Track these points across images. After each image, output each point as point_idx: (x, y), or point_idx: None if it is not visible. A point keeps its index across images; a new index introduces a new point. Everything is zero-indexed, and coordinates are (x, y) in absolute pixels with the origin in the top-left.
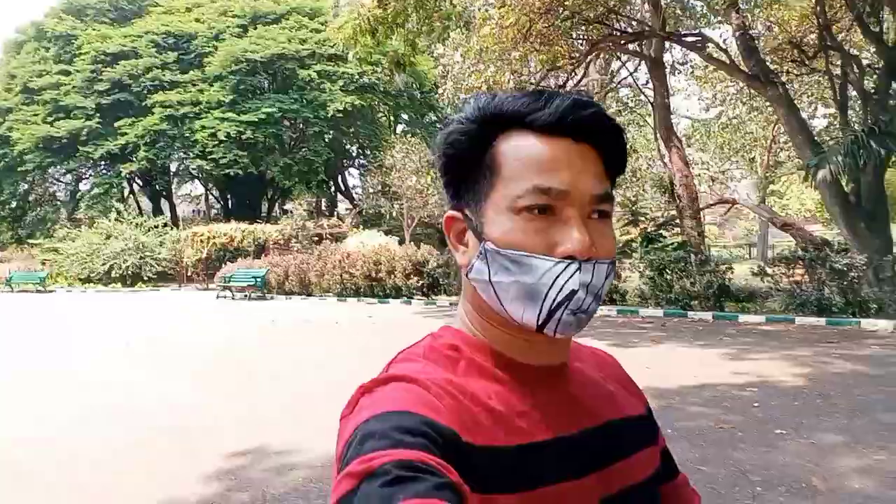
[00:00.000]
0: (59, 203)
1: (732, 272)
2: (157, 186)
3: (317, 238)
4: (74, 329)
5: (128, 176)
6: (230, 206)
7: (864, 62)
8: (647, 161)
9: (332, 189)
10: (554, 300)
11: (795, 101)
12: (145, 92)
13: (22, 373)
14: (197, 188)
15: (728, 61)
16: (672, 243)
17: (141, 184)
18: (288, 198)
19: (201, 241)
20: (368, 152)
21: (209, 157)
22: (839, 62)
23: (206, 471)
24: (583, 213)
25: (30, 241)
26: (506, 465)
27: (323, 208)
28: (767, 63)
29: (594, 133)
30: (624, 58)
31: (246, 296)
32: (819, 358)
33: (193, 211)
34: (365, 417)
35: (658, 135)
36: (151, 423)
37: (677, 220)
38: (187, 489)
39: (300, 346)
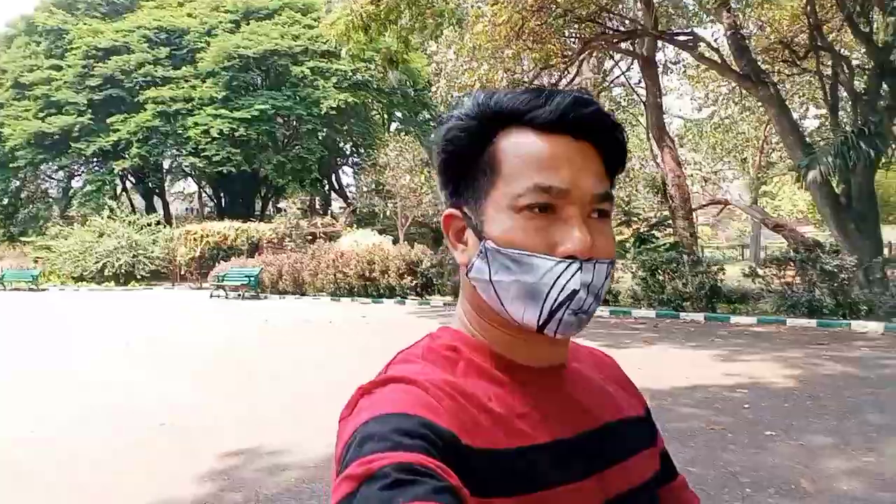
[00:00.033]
0: (51, 200)
1: (724, 273)
2: (149, 184)
3: (311, 237)
4: (72, 328)
5: (120, 173)
6: (223, 204)
7: (855, 63)
8: (640, 161)
9: (326, 187)
10: (555, 300)
11: (787, 102)
12: (137, 88)
13: (21, 373)
14: (190, 186)
15: (720, 61)
16: (664, 244)
17: (134, 181)
18: (281, 196)
19: (194, 239)
20: (362, 150)
21: (202, 154)
22: (830, 62)
23: (202, 471)
24: (583, 213)
25: (22, 238)
26: (505, 468)
27: (317, 207)
28: (759, 63)
29: (594, 131)
30: (617, 57)
31: (239, 295)
32: (809, 359)
33: (187, 209)
34: (364, 419)
35: (650, 134)
36: (151, 423)
37: (670, 221)
38: (185, 489)
39: (300, 346)
